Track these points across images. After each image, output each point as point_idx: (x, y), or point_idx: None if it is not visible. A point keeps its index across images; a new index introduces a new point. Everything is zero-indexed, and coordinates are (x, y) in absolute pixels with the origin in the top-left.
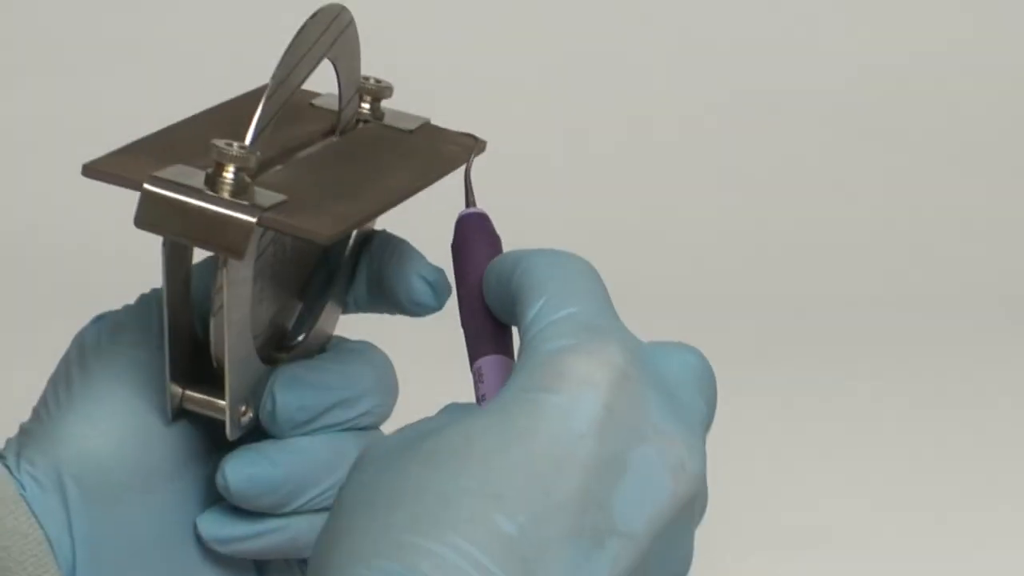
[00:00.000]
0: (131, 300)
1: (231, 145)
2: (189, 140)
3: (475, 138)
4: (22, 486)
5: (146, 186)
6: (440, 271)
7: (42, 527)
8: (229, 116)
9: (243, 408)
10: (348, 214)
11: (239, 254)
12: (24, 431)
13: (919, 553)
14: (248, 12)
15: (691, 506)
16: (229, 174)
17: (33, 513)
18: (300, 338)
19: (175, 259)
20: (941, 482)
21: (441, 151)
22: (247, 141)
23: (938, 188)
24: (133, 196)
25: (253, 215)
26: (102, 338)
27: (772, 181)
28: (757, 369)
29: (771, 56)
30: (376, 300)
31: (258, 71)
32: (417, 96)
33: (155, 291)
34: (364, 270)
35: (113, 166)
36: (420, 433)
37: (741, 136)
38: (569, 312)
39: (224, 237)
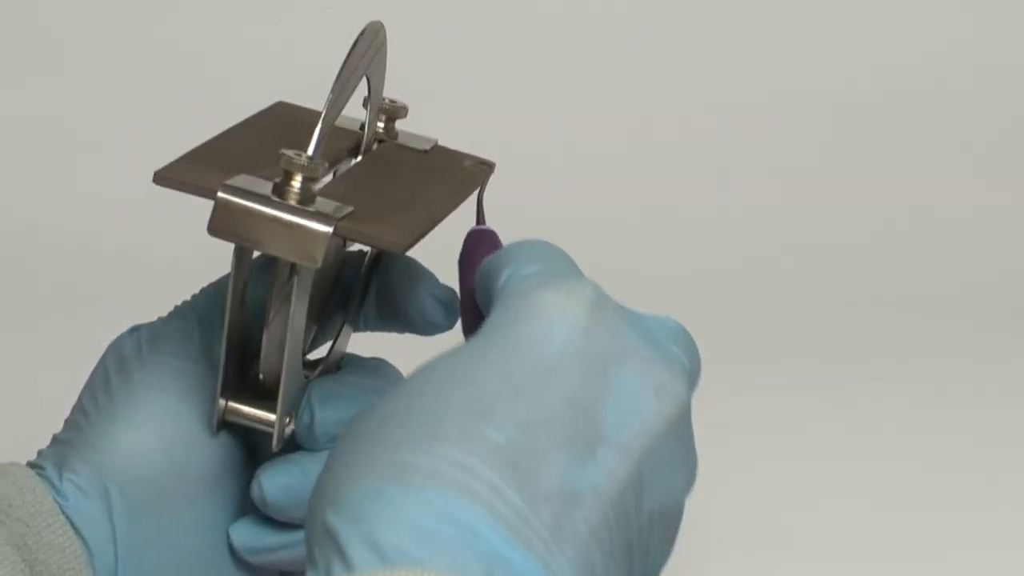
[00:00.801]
0: (131, 300)
1: (300, 155)
2: (243, 151)
3: (487, 162)
4: (64, 496)
5: (220, 194)
6: (451, 290)
7: (82, 537)
8: (273, 128)
9: (287, 419)
10: (414, 225)
11: (315, 261)
12: (61, 441)
13: (919, 553)
14: (248, 13)
15: (677, 429)
16: (296, 184)
17: (72, 524)
18: (319, 357)
19: (239, 268)
20: (941, 482)
21: (460, 170)
22: (310, 152)
23: (938, 188)
24: (133, 198)
25: (329, 224)
26: (142, 348)
27: (772, 181)
28: (757, 369)
29: (771, 56)
30: (387, 319)
31: (258, 71)
32: (417, 95)
33: (187, 303)
34: (375, 289)
35: (184, 174)
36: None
37: (741, 136)
38: (537, 267)
39: (300, 245)
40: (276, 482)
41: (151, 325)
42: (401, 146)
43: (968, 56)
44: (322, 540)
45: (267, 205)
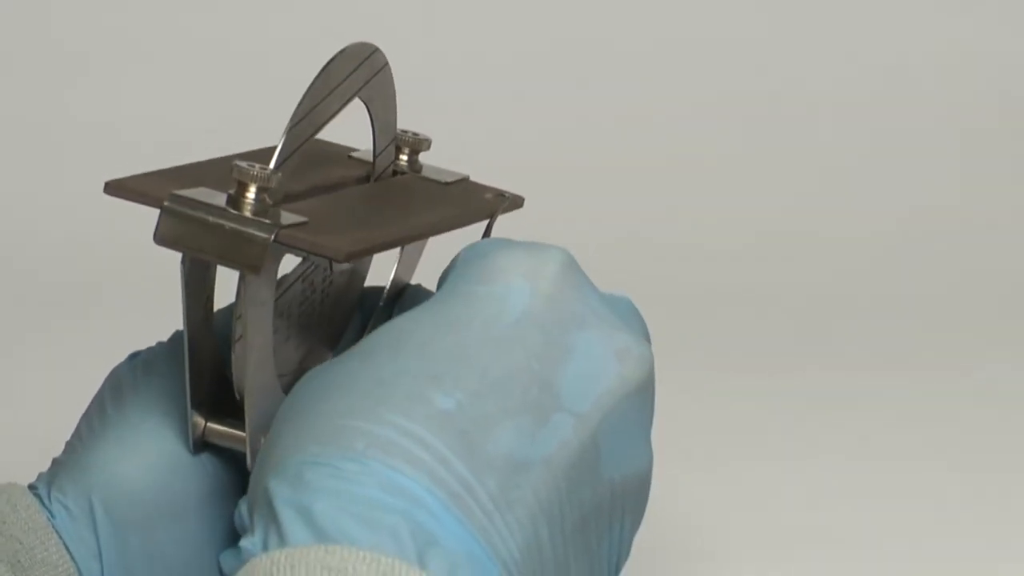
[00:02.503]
0: (129, 300)
1: (253, 166)
2: (214, 170)
3: (509, 197)
4: (52, 515)
5: (166, 203)
6: None
7: (72, 556)
8: (256, 156)
9: (263, 440)
10: (368, 238)
11: (256, 269)
12: (57, 463)
13: (919, 554)
14: (250, 13)
15: (642, 395)
16: (251, 195)
17: (63, 542)
18: None
19: (195, 281)
20: (942, 482)
21: (473, 202)
22: (270, 166)
23: (939, 188)
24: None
25: (271, 231)
26: (136, 373)
27: (773, 182)
28: (756, 369)
29: (773, 56)
30: None
31: (259, 74)
32: (413, 97)
33: None
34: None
35: (136, 184)
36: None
37: (741, 136)
38: (498, 239)
39: (241, 252)
40: None
41: (148, 350)
42: (421, 177)
43: (968, 56)
44: (262, 507)
45: (211, 213)
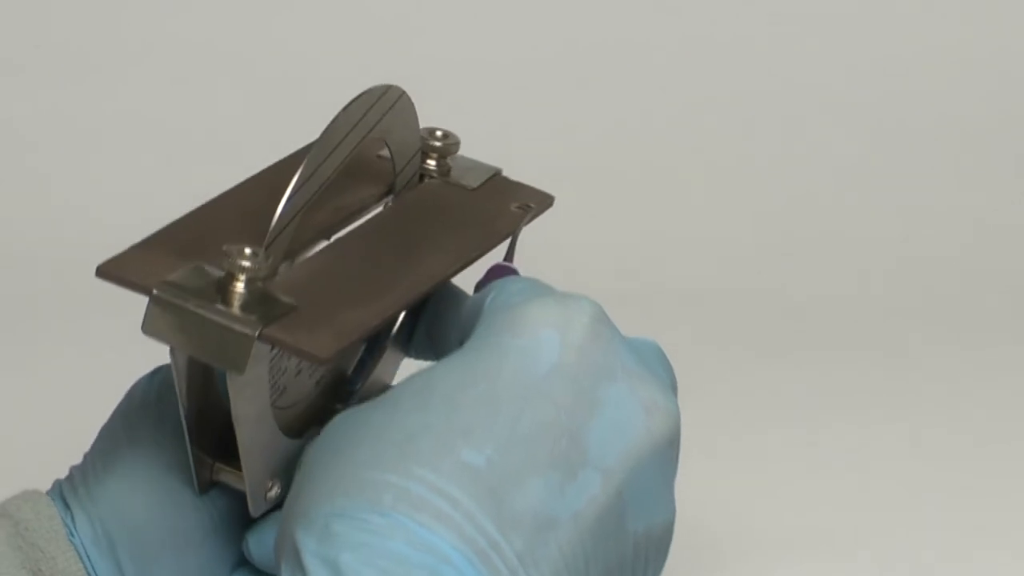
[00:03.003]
0: (129, 300)
1: (244, 254)
2: (219, 227)
3: (532, 204)
4: (70, 531)
5: (155, 292)
6: None
7: (87, 571)
8: (268, 190)
9: (269, 484)
10: (358, 323)
11: (239, 369)
12: (71, 477)
13: (919, 554)
14: (250, 13)
15: (668, 449)
16: (240, 284)
17: (79, 556)
18: (357, 387)
19: (182, 362)
20: (942, 482)
21: (497, 217)
22: (269, 235)
23: (939, 188)
24: (137, 201)
25: (254, 330)
26: (151, 395)
27: (773, 182)
28: (757, 369)
29: (773, 56)
30: (435, 347)
31: (259, 74)
32: (414, 97)
33: None
34: (425, 317)
35: (125, 268)
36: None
37: (741, 136)
38: (528, 283)
39: (224, 351)
40: (264, 543)
41: (168, 371)
42: (447, 183)
43: (968, 56)
44: (289, 558)
45: (198, 307)
